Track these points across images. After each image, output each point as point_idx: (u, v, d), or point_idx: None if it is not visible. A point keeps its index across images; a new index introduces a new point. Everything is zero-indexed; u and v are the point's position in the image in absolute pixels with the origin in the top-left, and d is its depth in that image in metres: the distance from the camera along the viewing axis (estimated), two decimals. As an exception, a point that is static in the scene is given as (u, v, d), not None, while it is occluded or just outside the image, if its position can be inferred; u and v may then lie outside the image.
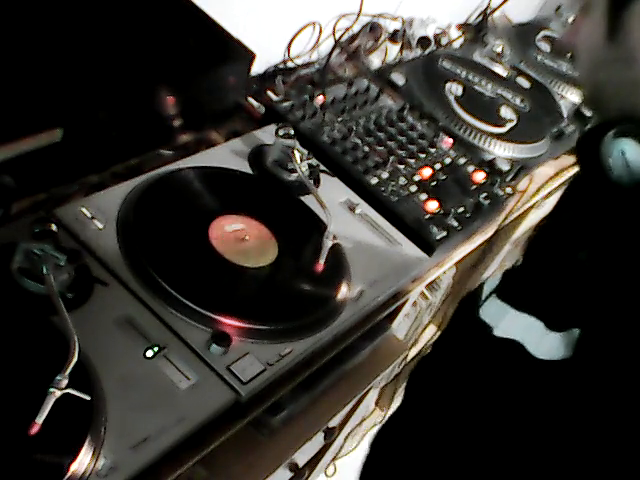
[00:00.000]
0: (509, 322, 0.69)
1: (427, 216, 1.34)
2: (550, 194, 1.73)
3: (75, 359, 0.81)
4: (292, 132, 1.28)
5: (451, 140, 1.56)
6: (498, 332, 0.69)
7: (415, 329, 1.82)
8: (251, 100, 1.46)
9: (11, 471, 0.75)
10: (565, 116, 1.89)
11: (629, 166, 0.75)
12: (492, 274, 1.81)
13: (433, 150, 1.51)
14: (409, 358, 1.70)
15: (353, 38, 1.80)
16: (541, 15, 2.50)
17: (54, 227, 0.92)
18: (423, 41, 1.90)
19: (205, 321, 0.98)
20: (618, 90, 0.77)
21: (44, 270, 0.89)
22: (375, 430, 0.77)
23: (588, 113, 1.87)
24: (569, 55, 2.04)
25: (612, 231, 0.68)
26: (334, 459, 1.82)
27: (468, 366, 0.70)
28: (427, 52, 1.90)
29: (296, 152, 1.26)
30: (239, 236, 1.12)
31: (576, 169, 0.78)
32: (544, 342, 0.66)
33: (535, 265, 0.73)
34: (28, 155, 0.95)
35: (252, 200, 1.21)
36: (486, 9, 2.21)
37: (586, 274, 0.67)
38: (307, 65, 1.70)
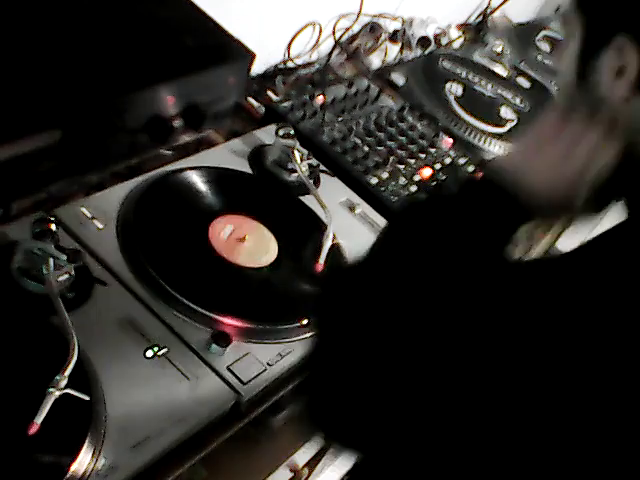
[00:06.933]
0: None
1: (427, 216, 1.34)
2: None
3: (74, 359, 0.80)
4: (292, 132, 1.28)
5: (451, 140, 1.56)
6: None
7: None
8: (251, 100, 1.46)
9: (11, 471, 0.75)
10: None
11: None
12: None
13: (433, 150, 1.51)
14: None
15: (353, 38, 1.80)
16: (541, 15, 2.50)
17: (54, 227, 0.92)
18: (423, 41, 1.90)
19: (205, 321, 0.98)
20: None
21: (44, 270, 0.89)
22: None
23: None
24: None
25: None
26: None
27: None
28: (427, 52, 1.90)
29: (296, 152, 1.26)
30: (239, 236, 1.12)
31: None
32: None
33: None
34: (28, 155, 0.95)
35: (252, 200, 1.21)
36: (486, 9, 2.21)
37: None
38: (307, 65, 1.70)
